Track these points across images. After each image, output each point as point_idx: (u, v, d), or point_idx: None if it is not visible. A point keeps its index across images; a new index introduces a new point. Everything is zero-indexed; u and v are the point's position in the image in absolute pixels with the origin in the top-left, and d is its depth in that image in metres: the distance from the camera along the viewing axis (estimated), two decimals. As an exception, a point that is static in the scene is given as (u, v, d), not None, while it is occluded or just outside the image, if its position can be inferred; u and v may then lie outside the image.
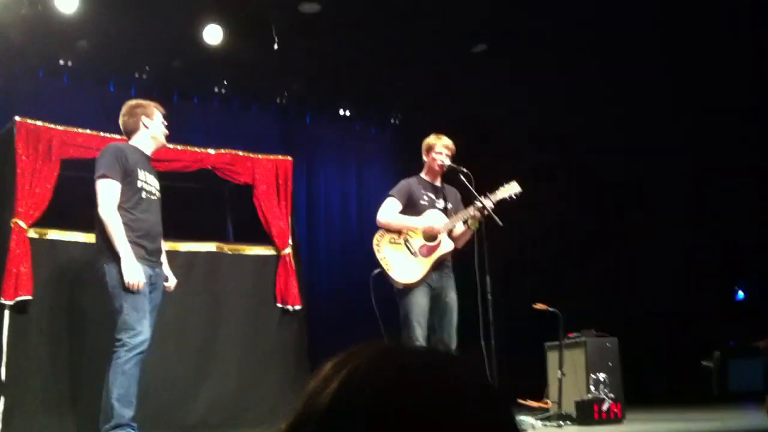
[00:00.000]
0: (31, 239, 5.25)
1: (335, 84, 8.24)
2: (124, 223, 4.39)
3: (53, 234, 5.45)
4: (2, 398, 4.93)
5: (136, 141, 4.69)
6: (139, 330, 4.35)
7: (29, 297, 5.13)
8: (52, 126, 5.56)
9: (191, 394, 5.76)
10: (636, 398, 6.25)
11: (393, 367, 0.77)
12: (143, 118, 4.68)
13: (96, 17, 6.70)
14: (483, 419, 0.76)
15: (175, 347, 5.75)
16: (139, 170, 4.53)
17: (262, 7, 7.02)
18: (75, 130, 5.68)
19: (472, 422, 0.75)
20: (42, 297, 5.24)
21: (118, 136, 5.81)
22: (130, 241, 4.37)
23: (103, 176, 4.41)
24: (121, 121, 4.74)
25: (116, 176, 4.42)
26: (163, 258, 4.81)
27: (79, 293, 5.45)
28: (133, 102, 4.81)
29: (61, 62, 7.13)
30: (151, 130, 4.70)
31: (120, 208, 4.41)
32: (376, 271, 5.20)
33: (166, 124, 4.80)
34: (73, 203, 5.76)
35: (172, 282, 4.89)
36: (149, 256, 4.51)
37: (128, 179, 4.47)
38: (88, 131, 5.74)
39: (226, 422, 5.72)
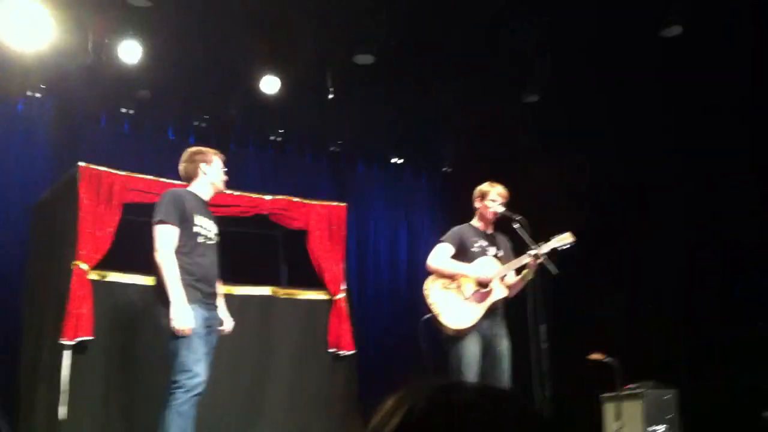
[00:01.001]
0: (92, 281, 5.36)
1: (387, 132, 8.34)
2: (181, 267, 4.44)
3: (113, 276, 5.56)
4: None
5: (194, 187, 4.78)
6: (195, 371, 4.38)
7: (90, 337, 5.22)
8: (114, 171, 5.71)
9: (242, 438, 5.77)
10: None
11: (451, 403, 0.80)
12: (202, 165, 4.78)
13: (157, 66, 6.92)
14: None
15: (228, 390, 5.78)
16: (196, 216, 4.61)
17: (318, 58, 7.17)
18: (136, 175, 5.83)
19: None
20: (101, 338, 5.33)
21: (177, 182, 5.96)
22: (187, 285, 4.43)
23: (161, 222, 4.50)
24: (180, 167, 4.84)
25: (174, 221, 4.50)
26: (221, 301, 4.85)
27: (137, 335, 5.54)
28: (193, 149, 4.92)
29: (123, 110, 7.35)
30: (209, 177, 4.79)
31: (177, 252, 4.48)
32: (427, 316, 5.18)
33: (225, 170, 4.90)
34: (133, 247, 5.89)
35: (228, 325, 4.92)
36: (205, 299, 4.56)
37: (185, 224, 4.55)
38: (148, 177, 5.88)
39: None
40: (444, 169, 8.95)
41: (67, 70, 6.72)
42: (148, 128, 7.75)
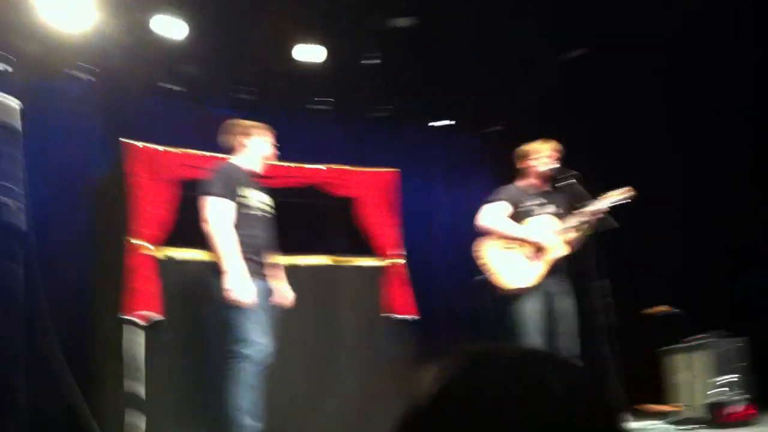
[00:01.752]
0: (158, 259, 5.42)
1: (435, 95, 8.24)
2: (240, 241, 4.44)
3: (179, 253, 5.60)
4: (144, 416, 5.06)
5: (238, 159, 4.76)
6: (252, 340, 4.36)
7: (161, 317, 5.29)
8: (167, 148, 5.75)
9: (313, 408, 5.84)
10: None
11: (485, 368, 0.80)
12: (240, 137, 4.76)
13: (203, 41, 6.91)
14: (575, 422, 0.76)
15: (295, 361, 5.84)
16: (242, 188, 4.59)
17: (362, 22, 7.09)
18: (189, 151, 5.86)
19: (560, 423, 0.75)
20: (171, 316, 5.39)
21: (226, 156, 5.99)
22: (245, 258, 4.42)
23: (209, 193, 4.50)
24: (221, 140, 4.83)
25: (223, 194, 4.50)
26: (279, 273, 4.83)
27: (205, 310, 5.60)
28: (231, 121, 4.89)
29: (171, 86, 7.36)
30: (250, 148, 4.77)
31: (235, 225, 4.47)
32: (479, 277, 5.12)
33: (267, 140, 4.85)
34: (188, 222, 5.95)
35: (289, 296, 4.88)
36: (259, 270, 4.54)
37: (232, 197, 4.53)
38: (202, 152, 5.90)
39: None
40: (495, 128, 8.83)
41: (113, 48, 6.74)
42: (197, 104, 7.76)
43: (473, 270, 6.16)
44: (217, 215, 4.46)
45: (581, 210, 5.04)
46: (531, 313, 4.95)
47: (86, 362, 5.78)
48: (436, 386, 0.80)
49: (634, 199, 5.05)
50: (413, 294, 6.34)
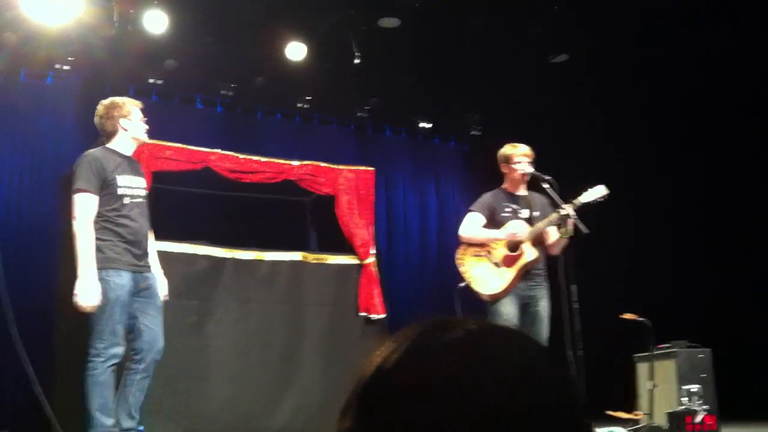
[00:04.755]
0: (124, 249, 5.40)
1: (414, 97, 8.28)
2: (113, 231, 4.24)
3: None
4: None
5: (115, 144, 4.45)
6: (112, 341, 4.19)
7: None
8: (149, 140, 5.72)
9: (275, 402, 5.83)
10: (731, 411, 6.02)
11: (432, 343, 0.75)
12: (121, 120, 4.44)
13: (183, 36, 6.93)
14: (517, 397, 0.70)
15: (260, 355, 5.84)
16: (119, 176, 4.34)
17: (343, 23, 7.12)
18: (164, 143, 5.85)
19: (504, 397, 0.70)
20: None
21: (205, 149, 6.00)
22: (119, 248, 4.23)
23: (79, 190, 4.23)
24: (97, 123, 4.49)
25: (93, 189, 4.24)
26: (154, 260, 4.61)
27: (174, 302, 5.59)
28: (107, 101, 4.50)
29: (151, 81, 7.37)
30: (130, 132, 4.48)
31: (103, 216, 4.25)
32: (461, 284, 5.18)
33: (145, 119, 4.56)
34: (164, 214, 5.94)
35: (163, 288, 4.64)
36: (138, 261, 4.34)
37: (108, 188, 4.29)
38: (176, 144, 5.90)
39: (309, 429, 5.76)
40: (472, 132, 8.87)
41: (93, 42, 6.75)
42: (175, 98, 7.78)
43: (446, 272, 6.21)
44: (88, 213, 4.22)
45: (554, 213, 5.07)
46: (506, 317, 4.99)
47: (52, 354, 5.79)
48: (375, 364, 0.76)
49: (607, 199, 5.08)
50: (383, 294, 6.35)
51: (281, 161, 6.27)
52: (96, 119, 4.49)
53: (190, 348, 5.61)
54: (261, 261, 6.01)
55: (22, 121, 7.01)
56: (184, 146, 5.92)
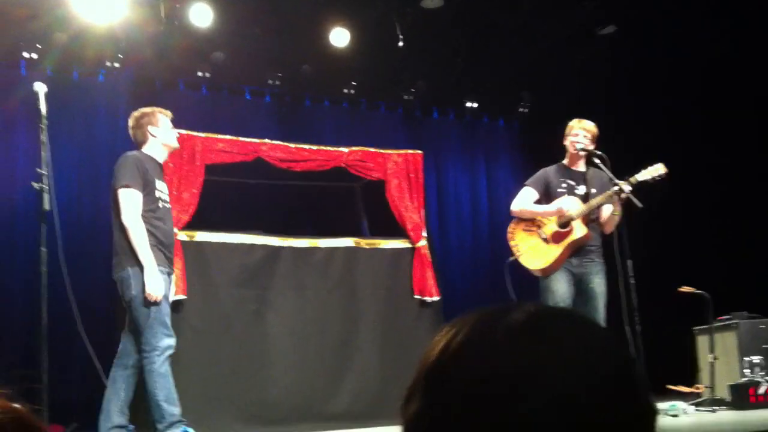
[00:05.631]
0: (182, 242, 5.52)
1: (460, 78, 8.24)
2: (148, 231, 4.42)
3: (201, 236, 5.72)
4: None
5: (148, 150, 4.69)
6: (166, 333, 4.40)
7: (183, 297, 5.40)
8: (195, 133, 5.84)
9: (334, 387, 5.91)
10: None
11: (495, 328, 0.75)
12: (150, 127, 4.67)
13: (229, 28, 7.01)
14: (589, 383, 0.71)
15: (318, 341, 5.92)
16: (156, 180, 4.58)
17: (386, 6, 7.12)
18: (216, 136, 5.95)
19: (571, 384, 0.70)
20: (192, 296, 5.50)
21: (256, 140, 6.08)
22: (154, 247, 4.41)
23: (126, 186, 4.42)
24: (131, 134, 4.75)
25: (137, 186, 4.45)
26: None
27: (227, 291, 5.72)
28: (137, 112, 4.77)
29: (200, 74, 7.47)
30: (160, 138, 4.70)
31: (142, 216, 4.43)
32: (511, 258, 5.18)
33: (170, 127, 4.79)
34: (217, 206, 6.06)
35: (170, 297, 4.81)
36: (168, 263, 4.56)
37: (148, 188, 4.51)
38: (228, 137, 5.99)
39: (369, 413, 5.81)
40: (521, 110, 8.80)
41: (142, 38, 6.87)
42: (224, 90, 7.88)
43: (499, 253, 6.19)
44: (137, 208, 4.43)
45: (609, 191, 5.03)
46: (558, 294, 4.98)
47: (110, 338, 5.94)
48: (437, 350, 0.77)
49: (666, 178, 5.03)
50: (436, 276, 6.37)
51: (331, 149, 6.33)
52: (129, 131, 4.75)
53: (250, 336, 5.73)
54: (316, 248, 6.09)
55: (77, 119, 7.18)
56: (236, 138, 6.01)
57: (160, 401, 4.34)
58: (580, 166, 5.22)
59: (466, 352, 0.75)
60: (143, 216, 4.44)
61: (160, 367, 4.35)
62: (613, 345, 0.77)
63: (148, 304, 4.33)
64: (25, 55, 6.78)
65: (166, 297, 4.46)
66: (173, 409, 4.38)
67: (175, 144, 4.86)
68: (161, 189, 4.64)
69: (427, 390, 0.76)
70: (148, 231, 4.43)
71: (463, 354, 0.75)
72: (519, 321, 0.75)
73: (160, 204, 4.59)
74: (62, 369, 5.38)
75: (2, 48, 6.78)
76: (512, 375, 0.71)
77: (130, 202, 4.41)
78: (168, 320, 4.46)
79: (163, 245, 4.51)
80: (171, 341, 4.43)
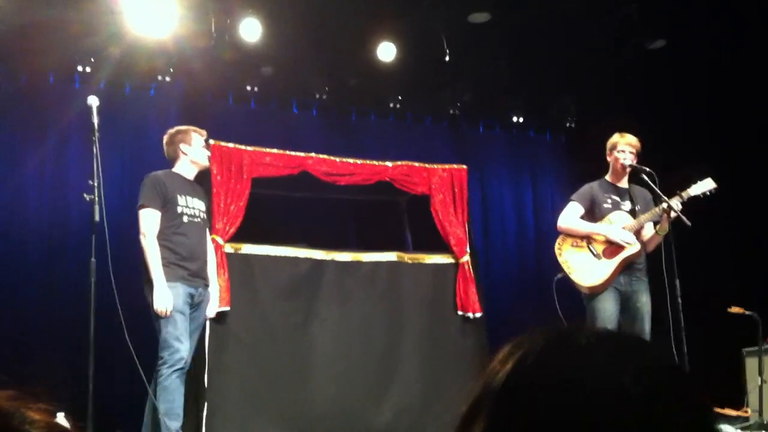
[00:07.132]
0: (227, 254, 5.59)
1: (507, 91, 8.22)
2: (168, 248, 4.68)
3: (247, 248, 5.78)
4: (206, 403, 5.26)
5: (178, 168, 4.97)
6: (176, 347, 4.58)
7: (227, 308, 5.46)
8: (243, 147, 5.91)
9: (376, 401, 5.90)
10: None
11: (568, 346, 0.77)
12: (181, 145, 4.95)
13: (277, 42, 7.09)
14: (661, 409, 0.72)
15: (360, 355, 5.93)
16: (179, 196, 4.80)
17: (433, 20, 7.14)
18: (263, 150, 6.02)
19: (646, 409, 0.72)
20: (238, 307, 5.56)
21: (302, 154, 6.13)
22: (173, 263, 4.66)
23: (142, 206, 4.72)
24: (164, 150, 5.03)
25: (155, 205, 4.71)
26: (212, 276, 5.05)
27: (272, 303, 5.76)
28: (172, 130, 5.05)
29: (248, 88, 7.57)
30: (190, 155, 4.97)
31: (162, 233, 4.70)
32: (559, 275, 5.14)
33: (205, 145, 5.09)
34: (263, 219, 6.12)
35: (212, 310, 5.08)
36: (191, 277, 4.77)
37: (168, 206, 4.75)
38: (275, 150, 6.05)
39: (412, 429, 5.81)
40: (568, 124, 8.73)
41: (192, 53, 7.00)
42: (273, 103, 7.98)
43: (545, 269, 6.15)
44: (153, 228, 4.70)
45: (658, 207, 4.98)
46: (604, 311, 4.94)
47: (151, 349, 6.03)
48: (510, 366, 0.78)
49: (714, 193, 4.96)
50: (480, 292, 6.34)
51: (376, 163, 6.35)
52: (164, 147, 5.02)
53: (294, 348, 5.76)
54: (359, 262, 6.11)
55: (128, 132, 7.33)
56: (283, 151, 6.07)
57: (160, 414, 4.51)
58: (624, 182, 5.19)
59: (548, 362, 0.77)
60: (163, 232, 4.70)
61: (165, 380, 4.53)
62: (676, 366, 0.80)
63: (158, 318, 4.56)
64: (80, 69, 6.94)
65: (181, 312, 4.62)
66: (172, 424, 4.54)
67: (206, 162, 5.10)
68: (187, 204, 4.84)
69: (500, 407, 0.77)
70: (166, 247, 4.67)
71: (545, 363, 0.77)
72: (595, 333, 0.78)
73: (185, 219, 4.80)
74: (108, 377, 5.48)
75: (58, 62, 6.95)
76: (590, 387, 0.73)
77: (143, 222, 4.69)
78: (183, 334, 4.64)
79: (184, 260, 4.73)
80: (180, 355, 4.59)
